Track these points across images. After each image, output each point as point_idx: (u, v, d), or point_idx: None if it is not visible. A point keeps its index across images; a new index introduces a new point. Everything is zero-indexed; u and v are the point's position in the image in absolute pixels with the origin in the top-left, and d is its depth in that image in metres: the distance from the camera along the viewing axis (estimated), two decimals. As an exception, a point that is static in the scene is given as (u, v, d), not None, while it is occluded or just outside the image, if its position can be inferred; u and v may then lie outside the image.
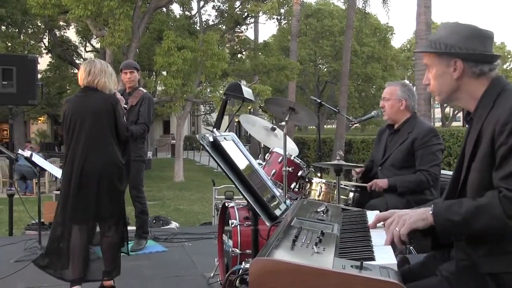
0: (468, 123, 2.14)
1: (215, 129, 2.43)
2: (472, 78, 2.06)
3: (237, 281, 2.24)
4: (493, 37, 2.09)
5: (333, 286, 1.57)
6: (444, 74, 2.10)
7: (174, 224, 7.79)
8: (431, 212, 1.97)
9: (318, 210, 2.44)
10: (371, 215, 2.47)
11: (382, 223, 2.25)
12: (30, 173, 13.87)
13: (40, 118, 31.97)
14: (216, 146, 2.23)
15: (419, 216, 1.99)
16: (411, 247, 4.12)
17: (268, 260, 1.63)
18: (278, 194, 2.63)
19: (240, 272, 2.10)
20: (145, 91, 5.91)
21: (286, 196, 3.46)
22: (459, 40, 2.05)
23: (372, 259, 1.78)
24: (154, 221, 7.55)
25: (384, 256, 1.84)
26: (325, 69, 38.96)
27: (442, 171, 4.24)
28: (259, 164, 4.59)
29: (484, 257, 1.92)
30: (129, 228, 6.37)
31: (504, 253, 1.89)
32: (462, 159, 2.10)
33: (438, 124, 46.13)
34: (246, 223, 3.71)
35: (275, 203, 2.48)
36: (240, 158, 2.45)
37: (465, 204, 1.92)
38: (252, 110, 27.57)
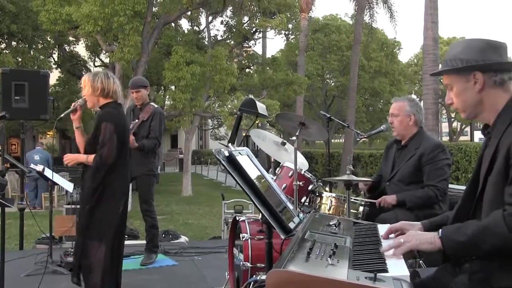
0: (486, 136, 2.17)
1: (230, 144, 2.48)
2: (494, 88, 2.09)
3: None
4: (506, 47, 2.13)
5: (348, 297, 1.60)
6: (466, 89, 2.13)
7: (183, 238, 7.82)
8: (439, 236, 2.00)
9: (331, 223, 2.48)
10: (383, 229, 2.51)
11: (393, 234, 2.31)
12: (43, 185, 14.02)
13: (49, 133, 32.18)
14: (232, 161, 2.28)
15: (427, 239, 2.03)
16: (421, 261, 4.13)
17: (284, 272, 1.67)
18: (291, 207, 2.67)
19: (253, 284, 2.13)
20: (156, 106, 5.98)
21: (299, 210, 3.49)
22: (474, 53, 2.09)
23: (385, 270, 1.82)
24: (163, 235, 7.59)
25: (397, 268, 1.87)
26: (333, 84, 39.02)
27: (450, 185, 4.26)
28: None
29: (497, 271, 1.94)
30: (139, 242, 6.46)
31: None
32: (478, 173, 2.12)
33: (445, 138, 46.01)
34: (257, 236, 3.73)
35: (289, 216, 2.52)
36: (255, 172, 2.50)
37: (472, 226, 1.95)
38: (260, 124, 27.64)
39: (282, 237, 2.30)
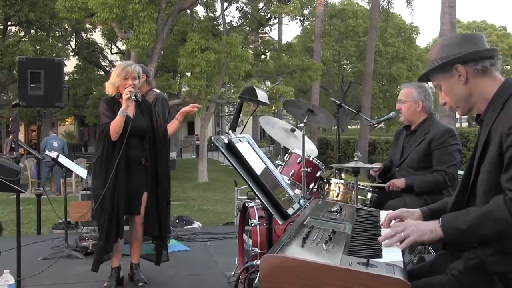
0: (479, 124, 2.19)
1: (230, 131, 2.51)
2: (478, 77, 2.12)
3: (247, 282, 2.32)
4: (481, 36, 2.17)
5: (340, 282, 1.64)
6: (452, 85, 2.17)
7: (197, 224, 7.89)
8: (439, 225, 2.02)
9: (332, 209, 2.51)
10: (385, 215, 2.52)
11: (394, 221, 2.33)
12: (59, 171, 14.17)
13: (67, 120, 32.56)
14: (231, 148, 2.32)
15: (428, 229, 2.03)
16: (430, 247, 4.15)
17: (277, 257, 1.71)
18: (292, 194, 2.70)
19: (250, 269, 2.18)
20: (158, 91, 5.98)
21: (300, 196, 3.54)
22: (451, 49, 2.14)
23: (379, 256, 1.85)
24: (177, 221, 7.67)
25: (391, 253, 1.90)
26: (349, 70, 38.78)
27: (461, 171, 4.25)
28: (278, 164, 4.67)
29: (492, 257, 1.96)
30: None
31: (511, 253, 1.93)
32: (472, 161, 2.15)
33: (464, 124, 45.53)
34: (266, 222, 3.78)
35: (289, 202, 2.55)
36: (255, 159, 2.53)
37: (472, 212, 1.97)
38: (276, 111, 27.63)
39: (280, 222, 2.34)
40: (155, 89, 6.00)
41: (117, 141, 4.24)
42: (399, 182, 4.17)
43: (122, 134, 4.23)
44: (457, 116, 21.41)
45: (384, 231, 2.22)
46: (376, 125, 5.72)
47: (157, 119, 4.54)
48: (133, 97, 4.18)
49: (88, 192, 7.66)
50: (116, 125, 4.20)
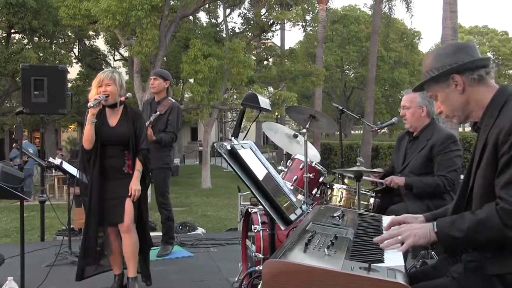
0: (476, 131, 2.21)
1: (232, 138, 2.53)
2: (475, 85, 2.15)
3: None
4: (474, 46, 2.20)
5: (342, 287, 1.65)
6: (449, 94, 2.19)
7: (200, 230, 7.90)
8: (435, 231, 2.05)
9: (334, 215, 2.53)
10: (387, 220, 2.54)
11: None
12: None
13: (70, 126, 32.63)
14: (234, 154, 2.33)
15: (423, 234, 2.07)
16: (432, 252, 4.16)
17: (280, 262, 1.72)
18: (294, 199, 2.71)
19: (252, 274, 2.19)
20: (173, 100, 6.03)
21: (303, 201, 3.55)
22: (446, 59, 2.16)
23: (381, 261, 1.86)
24: (180, 227, 7.67)
25: (393, 258, 1.91)
26: (352, 75, 38.86)
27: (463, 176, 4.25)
28: (281, 170, 4.69)
29: (491, 259, 1.99)
30: (155, 234, 6.55)
31: (510, 254, 1.96)
32: (471, 166, 2.17)
33: (467, 129, 45.48)
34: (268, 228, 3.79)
35: (292, 208, 2.57)
36: (258, 165, 2.54)
37: (467, 220, 2.00)
38: (279, 116, 27.66)
39: (282, 228, 2.35)
40: (170, 98, 6.04)
41: (92, 149, 4.23)
42: (398, 180, 4.19)
43: (96, 143, 4.21)
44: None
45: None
46: (378, 131, 5.78)
47: (142, 128, 4.41)
48: (91, 105, 4.09)
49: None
50: (85, 134, 4.20)
